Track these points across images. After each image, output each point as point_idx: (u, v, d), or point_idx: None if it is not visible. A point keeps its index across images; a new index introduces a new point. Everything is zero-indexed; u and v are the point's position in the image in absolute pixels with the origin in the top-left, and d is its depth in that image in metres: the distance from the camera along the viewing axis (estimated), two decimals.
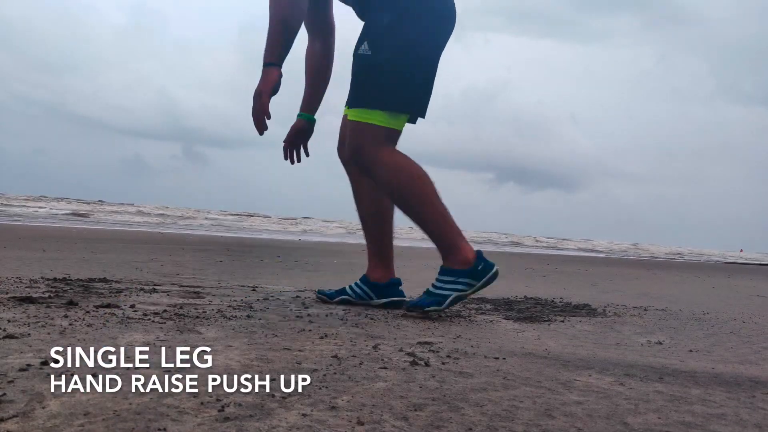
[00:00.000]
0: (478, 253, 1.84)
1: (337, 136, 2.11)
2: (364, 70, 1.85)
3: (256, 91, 1.85)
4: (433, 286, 1.83)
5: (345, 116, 2.06)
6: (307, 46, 2.17)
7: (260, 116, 1.87)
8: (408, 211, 1.88)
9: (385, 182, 1.87)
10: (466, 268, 1.79)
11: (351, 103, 1.89)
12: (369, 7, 1.91)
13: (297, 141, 2.13)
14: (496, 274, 1.82)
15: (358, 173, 2.03)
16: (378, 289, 2.01)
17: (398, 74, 1.83)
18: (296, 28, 1.87)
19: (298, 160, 2.13)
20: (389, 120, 1.84)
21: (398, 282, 2.04)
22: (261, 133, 1.88)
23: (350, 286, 2.04)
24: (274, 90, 1.86)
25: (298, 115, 2.14)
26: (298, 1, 1.85)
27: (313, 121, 2.14)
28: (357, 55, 1.86)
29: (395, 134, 1.88)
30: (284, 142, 2.13)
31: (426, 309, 1.79)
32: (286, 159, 2.11)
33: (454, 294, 1.78)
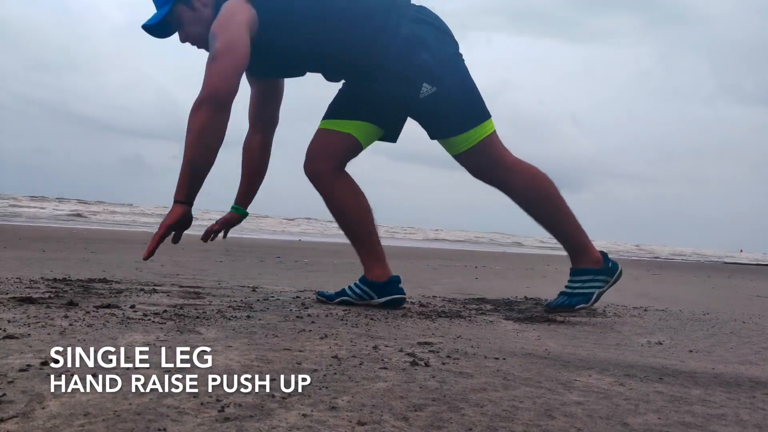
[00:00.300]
0: (603, 253, 2.01)
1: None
2: (443, 104, 1.89)
3: (220, 222, 1.89)
4: (569, 287, 1.99)
5: (318, 131, 2.05)
6: (247, 138, 2.17)
7: (151, 244, 1.75)
8: (542, 216, 1.99)
9: (522, 188, 1.97)
10: (600, 267, 1.96)
11: (451, 132, 1.93)
12: (388, 63, 1.86)
13: (221, 229, 2.14)
14: (621, 272, 2.01)
15: (329, 184, 2.01)
16: (378, 288, 2.01)
17: (468, 88, 1.93)
18: (205, 172, 1.79)
19: (212, 240, 2.15)
20: (490, 125, 1.94)
21: (398, 279, 2.04)
22: (144, 258, 1.76)
23: (350, 287, 2.04)
24: (182, 225, 1.81)
25: (232, 207, 2.16)
26: (211, 146, 1.77)
27: (245, 215, 2.17)
28: (423, 100, 1.86)
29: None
30: (211, 226, 2.14)
31: (576, 307, 1.94)
32: (202, 237, 2.12)
33: (597, 291, 1.95)
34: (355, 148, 2.02)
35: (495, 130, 1.95)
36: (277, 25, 1.85)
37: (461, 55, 1.96)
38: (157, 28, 1.94)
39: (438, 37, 1.91)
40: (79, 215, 13.32)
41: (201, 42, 1.94)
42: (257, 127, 2.16)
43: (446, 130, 1.95)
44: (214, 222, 2.17)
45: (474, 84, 1.95)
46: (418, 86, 1.85)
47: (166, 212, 1.85)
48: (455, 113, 1.91)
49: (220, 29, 1.79)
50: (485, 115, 1.94)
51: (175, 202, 1.78)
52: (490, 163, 1.95)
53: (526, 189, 1.96)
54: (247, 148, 2.17)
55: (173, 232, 1.80)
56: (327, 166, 2.00)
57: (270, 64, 1.97)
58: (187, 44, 1.97)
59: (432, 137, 1.99)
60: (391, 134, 2.06)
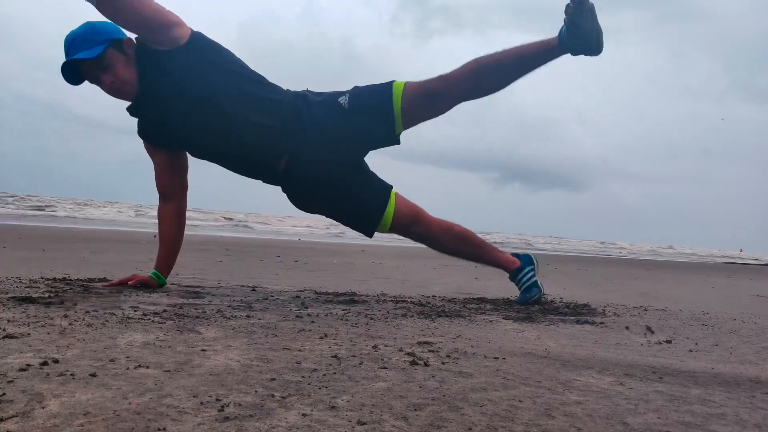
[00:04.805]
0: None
1: None
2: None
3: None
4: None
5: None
6: (159, 207, 2.20)
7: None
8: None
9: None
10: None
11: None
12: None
13: (134, 287, 2.09)
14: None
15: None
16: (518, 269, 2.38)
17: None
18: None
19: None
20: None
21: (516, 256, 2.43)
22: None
23: (531, 286, 2.33)
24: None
25: (152, 273, 2.15)
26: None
27: (163, 284, 2.16)
28: (343, 103, 2.11)
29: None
30: (129, 281, 2.10)
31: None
32: (108, 283, 2.08)
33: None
34: None
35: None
36: (200, 67, 1.97)
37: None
38: (74, 74, 2.00)
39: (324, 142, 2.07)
40: (76, 217, 13.31)
41: (124, 89, 2.00)
42: (167, 197, 2.19)
43: (383, 104, 2.08)
44: (133, 274, 2.16)
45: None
46: (337, 103, 2.10)
47: None
48: (374, 97, 2.09)
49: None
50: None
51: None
52: (428, 85, 2.09)
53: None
54: (161, 216, 2.19)
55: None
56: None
57: (173, 131, 2.08)
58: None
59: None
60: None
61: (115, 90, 2.00)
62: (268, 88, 2.08)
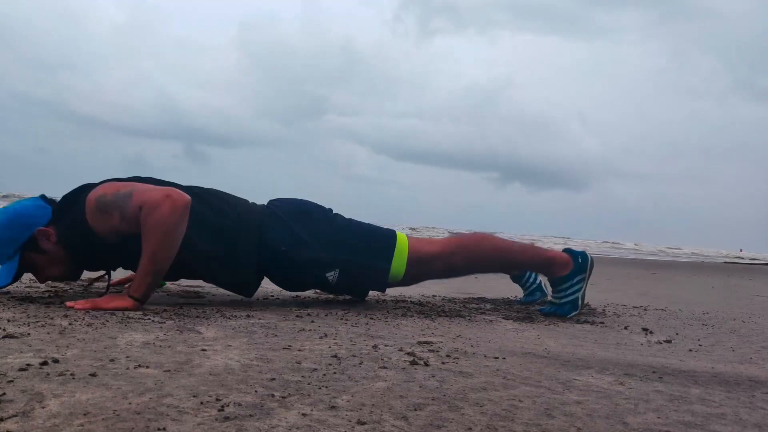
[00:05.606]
0: (567, 250, 2.07)
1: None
2: (353, 275, 1.87)
3: (108, 300, 1.57)
4: (555, 297, 2.03)
5: None
6: None
7: (80, 306, 1.52)
8: (501, 264, 2.06)
9: (468, 258, 1.96)
10: (571, 269, 1.99)
11: (381, 285, 1.96)
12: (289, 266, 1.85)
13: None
14: (592, 260, 2.04)
15: None
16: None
17: (361, 235, 1.92)
18: (164, 273, 1.64)
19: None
20: (402, 242, 1.92)
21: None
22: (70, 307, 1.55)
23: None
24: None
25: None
26: (175, 247, 1.61)
27: (162, 284, 2.10)
28: (337, 284, 1.88)
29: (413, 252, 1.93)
30: (128, 282, 1.95)
31: (567, 316, 1.97)
32: (111, 283, 1.93)
33: (578, 294, 2.00)
34: None
35: (407, 239, 1.94)
36: None
37: (329, 210, 1.97)
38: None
39: (301, 220, 1.87)
40: None
41: (63, 278, 1.77)
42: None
43: (376, 286, 1.97)
44: (132, 273, 1.97)
45: (359, 225, 1.95)
46: (324, 277, 1.86)
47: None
48: (367, 276, 1.91)
49: (130, 186, 1.65)
50: (392, 242, 1.91)
51: (132, 297, 1.58)
52: (428, 267, 1.94)
53: (470, 256, 1.96)
54: None
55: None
56: None
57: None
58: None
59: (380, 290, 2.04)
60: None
61: (55, 281, 1.82)
62: (229, 239, 1.79)
